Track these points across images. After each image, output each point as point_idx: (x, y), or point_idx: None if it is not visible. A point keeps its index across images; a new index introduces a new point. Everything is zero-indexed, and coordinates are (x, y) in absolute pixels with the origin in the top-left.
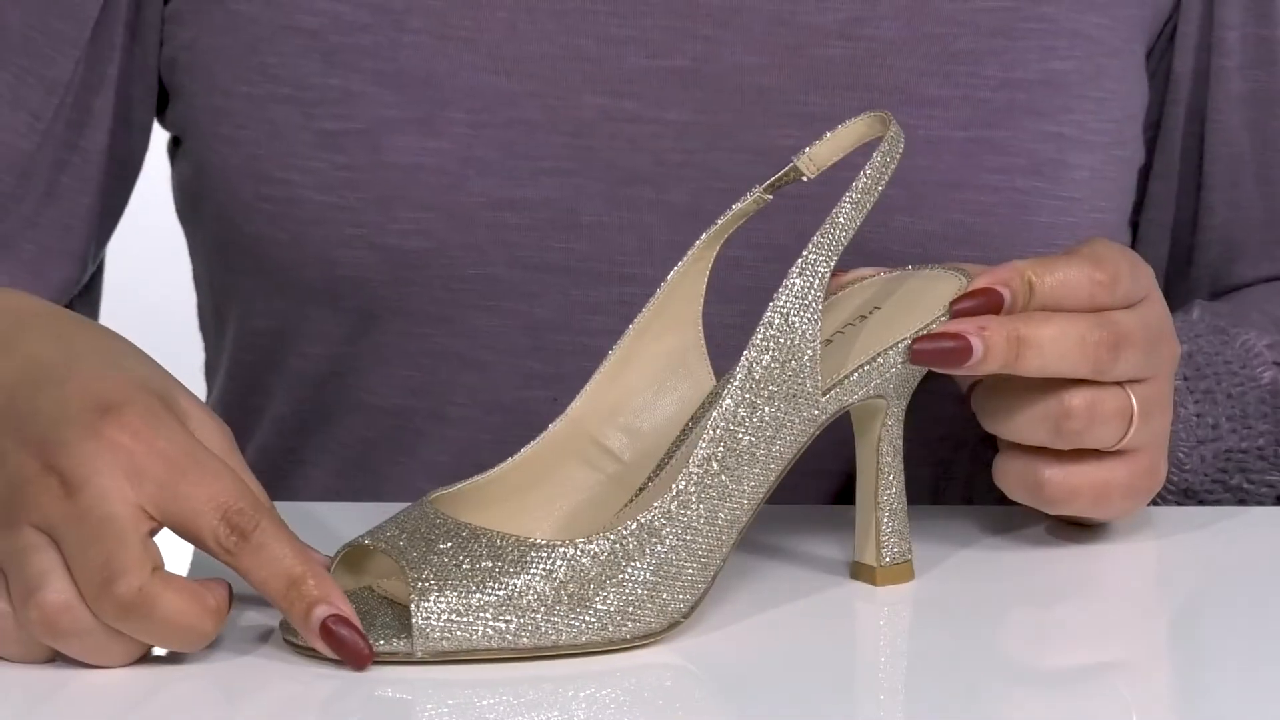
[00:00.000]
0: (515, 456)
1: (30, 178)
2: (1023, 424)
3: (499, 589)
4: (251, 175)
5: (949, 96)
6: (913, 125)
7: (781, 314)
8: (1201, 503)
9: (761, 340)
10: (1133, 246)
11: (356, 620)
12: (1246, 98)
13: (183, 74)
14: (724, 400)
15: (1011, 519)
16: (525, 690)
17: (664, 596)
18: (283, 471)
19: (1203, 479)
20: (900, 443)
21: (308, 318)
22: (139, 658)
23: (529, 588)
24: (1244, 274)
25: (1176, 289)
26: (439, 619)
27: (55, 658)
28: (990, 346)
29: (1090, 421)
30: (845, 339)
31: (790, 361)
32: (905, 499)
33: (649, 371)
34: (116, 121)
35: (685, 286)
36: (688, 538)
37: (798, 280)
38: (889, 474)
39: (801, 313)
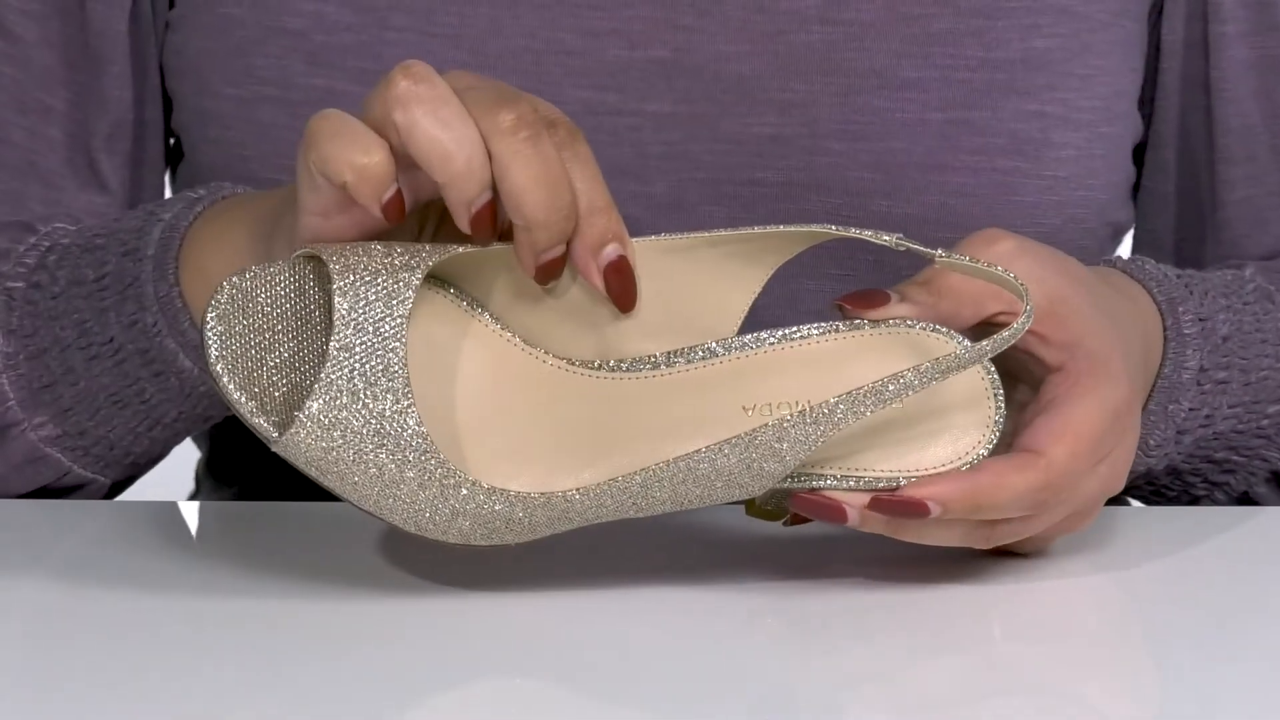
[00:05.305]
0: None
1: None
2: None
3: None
4: (240, 177)
5: (927, 78)
6: (891, 108)
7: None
8: (1176, 477)
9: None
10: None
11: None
12: (1254, 65)
13: (175, 79)
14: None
15: None
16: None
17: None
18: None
19: (1180, 459)
20: None
21: None
22: None
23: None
24: (1269, 246)
25: (1191, 256)
26: (306, 426)
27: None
28: (866, 523)
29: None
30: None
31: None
32: None
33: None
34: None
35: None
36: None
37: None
38: None
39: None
